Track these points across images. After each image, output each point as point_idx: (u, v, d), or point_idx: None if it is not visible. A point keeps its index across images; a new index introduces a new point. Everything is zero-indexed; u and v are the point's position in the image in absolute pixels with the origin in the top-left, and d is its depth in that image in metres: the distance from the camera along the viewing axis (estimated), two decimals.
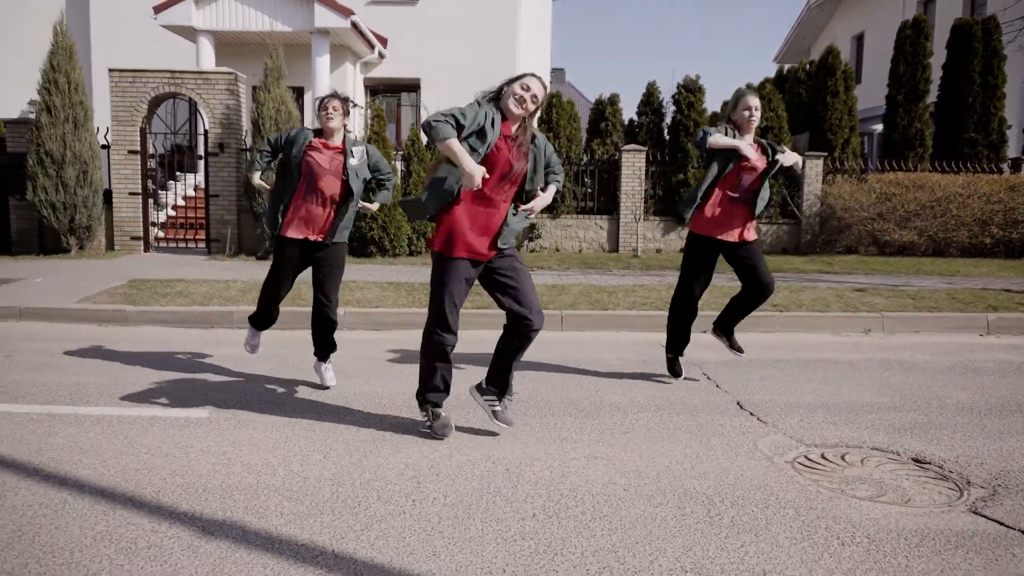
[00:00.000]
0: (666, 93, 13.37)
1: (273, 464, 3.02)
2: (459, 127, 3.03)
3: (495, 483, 2.85)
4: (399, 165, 10.90)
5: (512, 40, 16.08)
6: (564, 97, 13.45)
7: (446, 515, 2.55)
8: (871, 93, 17.54)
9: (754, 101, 4.26)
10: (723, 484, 2.89)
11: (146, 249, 10.78)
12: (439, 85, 15.83)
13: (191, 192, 13.04)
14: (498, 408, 3.43)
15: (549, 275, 9.23)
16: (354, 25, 13.18)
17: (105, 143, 10.62)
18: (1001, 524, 2.58)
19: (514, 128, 3.23)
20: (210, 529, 2.40)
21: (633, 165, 12.40)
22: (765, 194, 4.31)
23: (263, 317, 4.42)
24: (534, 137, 3.32)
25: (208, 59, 13.13)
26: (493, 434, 3.45)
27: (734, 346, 4.69)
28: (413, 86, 16.37)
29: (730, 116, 4.38)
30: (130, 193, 10.51)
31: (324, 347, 4.34)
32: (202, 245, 11.13)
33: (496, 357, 3.46)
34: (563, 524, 2.49)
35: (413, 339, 5.98)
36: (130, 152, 10.44)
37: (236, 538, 2.34)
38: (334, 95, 4.21)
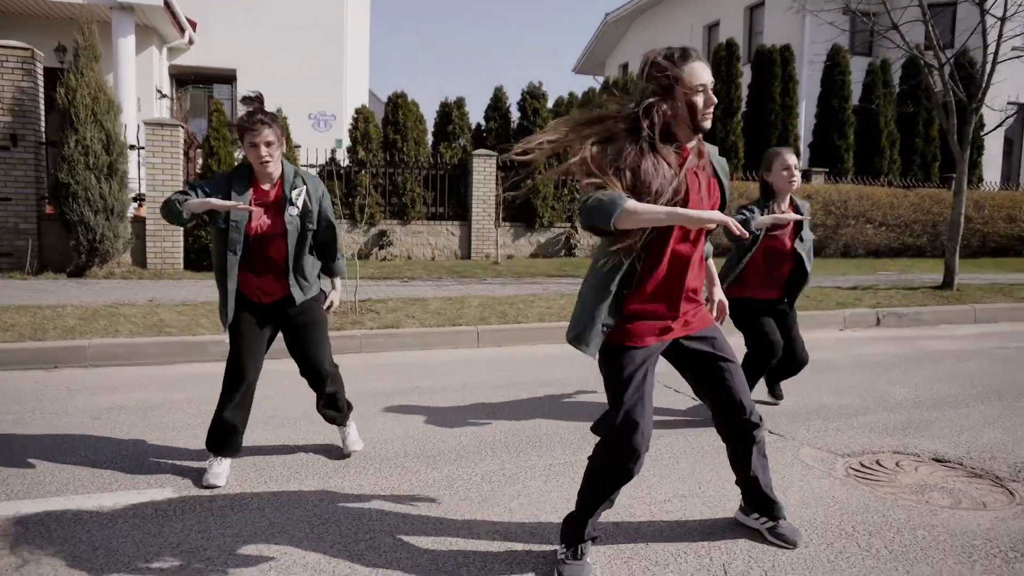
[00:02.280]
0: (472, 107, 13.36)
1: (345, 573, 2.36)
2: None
3: (625, 550, 2.48)
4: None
5: (339, 34, 15.14)
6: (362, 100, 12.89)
7: None
8: None
9: (792, 159, 3.82)
10: (832, 510, 2.80)
11: None
12: (258, 78, 14.40)
13: None
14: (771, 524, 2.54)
15: (426, 286, 8.75)
16: (167, 3, 11.48)
17: None
18: None
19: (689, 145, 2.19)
20: None
21: (484, 170, 12.24)
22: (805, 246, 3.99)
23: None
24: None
25: None
26: (545, 489, 3.05)
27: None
28: (228, 77, 14.74)
29: (764, 178, 3.93)
30: None
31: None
32: None
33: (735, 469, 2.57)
34: None
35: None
36: None
37: None
38: (257, 113, 2.89)
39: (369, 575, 2.27)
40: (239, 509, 2.75)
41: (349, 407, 3.41)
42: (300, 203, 3.07)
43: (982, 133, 9.36)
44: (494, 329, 6.43)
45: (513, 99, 13.21)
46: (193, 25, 13.83)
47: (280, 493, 2.91)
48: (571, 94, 13.94)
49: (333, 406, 3.33)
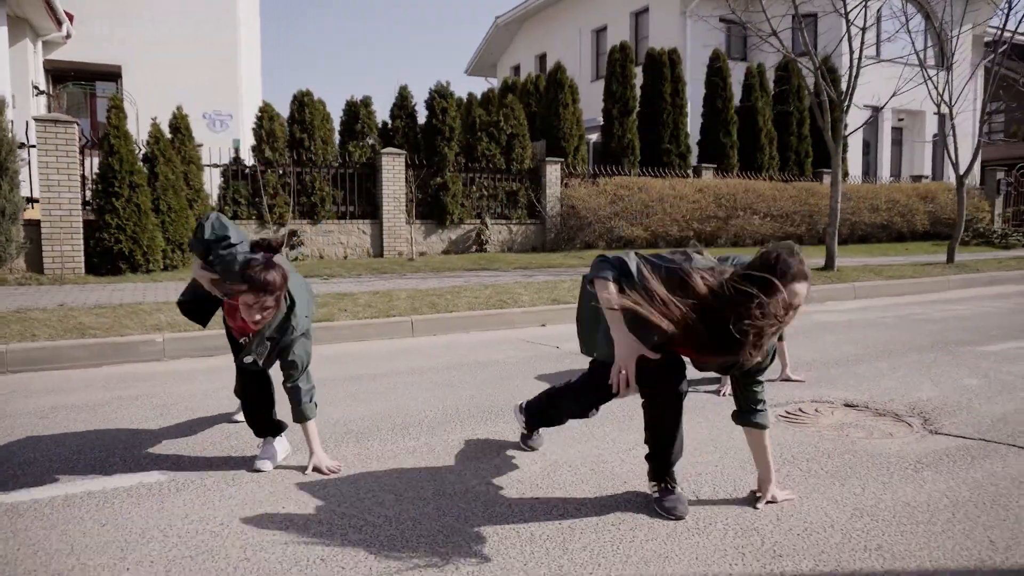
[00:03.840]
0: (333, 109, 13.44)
1: (377, 523, 2.49)
2: None
3: (619, 485, 2.76)
4: (144, 168, 9.22)
5: (233, 29, 14.69)
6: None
7: (687, 528, 2.42)
8: None
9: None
10: (774, 446, 3.19)
11: None
12: (146, 75, 13.77)
13: None
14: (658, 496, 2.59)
15: (348, 282, 8.75)
16: None
17: None
18: (961, 437, 3.33)
19: None
20: None
21: (394, 169, 12.29)
22: None
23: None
24: None
25: None
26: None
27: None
28: (112, 74, 13.93)
29: None
30: None
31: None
32: None
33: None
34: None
35: None
36: None
37: None
38: (268, 270, 2.59)
39: (383, 524, 2.43)
40: (232, 484, 2.81)
41: (283, 426, 3.13)
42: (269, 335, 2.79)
43: (847, 133, 10.41)
44: (428, 319, 6.59)
45: (418, 98, 13.33)
46: (70, 18, 13.00)
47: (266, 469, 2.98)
48: (470, 94, 14.22)
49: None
